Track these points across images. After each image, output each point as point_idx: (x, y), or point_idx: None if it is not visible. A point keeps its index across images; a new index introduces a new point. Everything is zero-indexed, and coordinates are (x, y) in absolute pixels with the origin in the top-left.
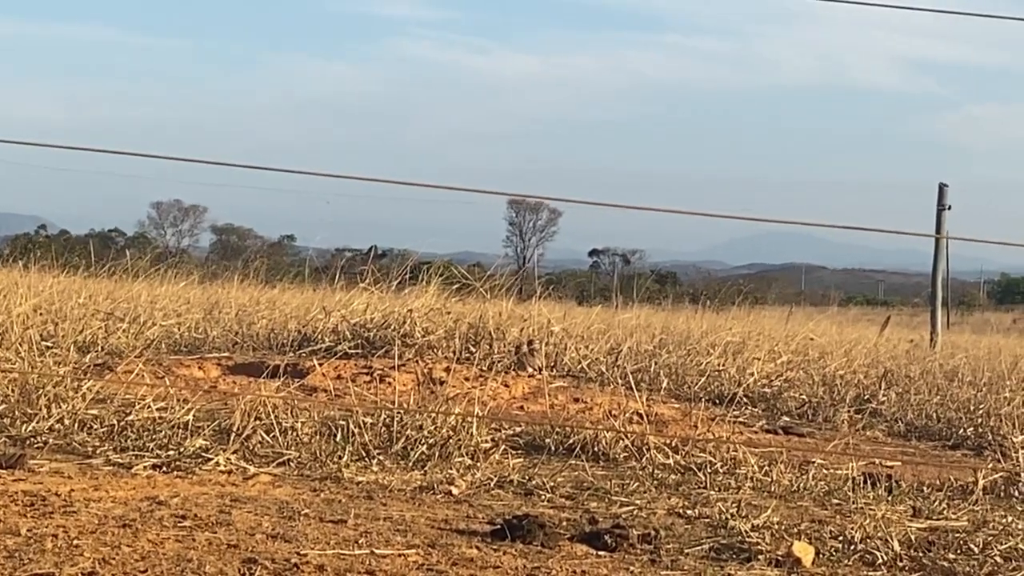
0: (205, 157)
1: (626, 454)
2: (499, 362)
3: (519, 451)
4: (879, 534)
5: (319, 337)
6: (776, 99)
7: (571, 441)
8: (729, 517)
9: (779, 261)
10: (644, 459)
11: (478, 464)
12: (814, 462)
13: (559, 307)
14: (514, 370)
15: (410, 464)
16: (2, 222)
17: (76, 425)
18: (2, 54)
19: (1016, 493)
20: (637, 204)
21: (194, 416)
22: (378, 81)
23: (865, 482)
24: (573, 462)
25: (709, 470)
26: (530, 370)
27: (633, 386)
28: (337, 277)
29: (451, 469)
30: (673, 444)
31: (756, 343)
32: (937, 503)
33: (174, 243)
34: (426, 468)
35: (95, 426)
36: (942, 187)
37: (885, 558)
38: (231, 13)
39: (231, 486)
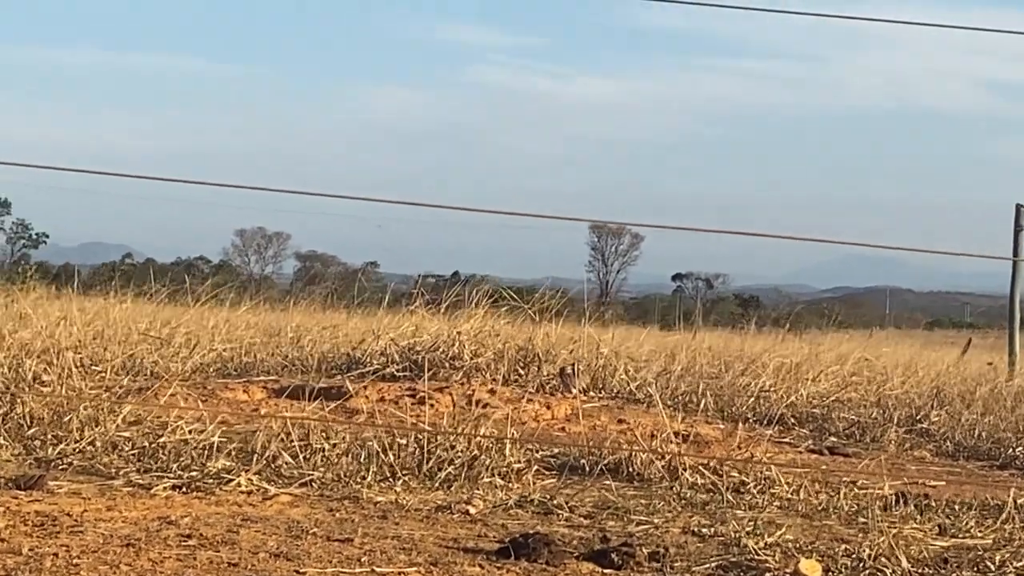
0: (285, 185)
1: (660, 474)
2: (547, 384)
3: (554, 472)
4: (891, 552)
5: (368, 360)
6: (850, 121)
7: (606, 461)
8: (743, 536)
9: (864, 284)
10: (679, 479)
11: (510, 484)
12: (846, 481)
13: (635, 331)
14: (560, 392)
15: (436, 484)
16: (89, 251)
17: (107, 447)
18: (84, 83)
19: None
20: (717, 228)
21: (225, 438)
22: (456, 108)
23: (897, 501)
24: (607, 482)
25: (741, 490)
26: (574, 391)
27: (679, 407)
28: (414, 302)
29: (477, 489)
30: (709, 464)
31: (810, 364)
32: (966, 522)
33: (258, 270)
34: (451, 488)
35: (126, 448)
36: (1019, 208)
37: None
38: (310, 42)
39: (248, 506)
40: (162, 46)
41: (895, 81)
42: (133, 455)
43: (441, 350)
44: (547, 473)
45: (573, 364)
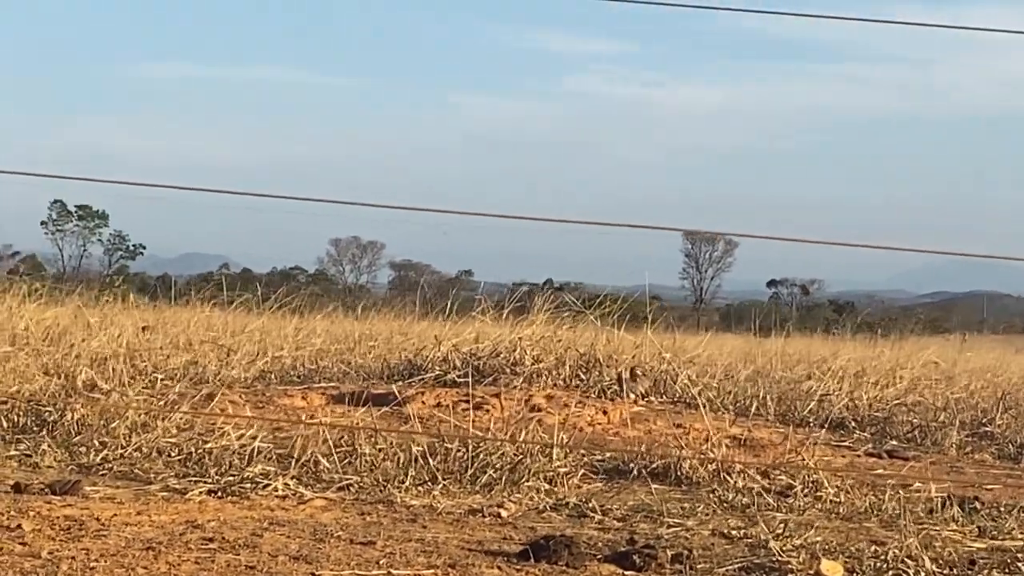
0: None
1: (708, 478)
2: (607, 389)
3: (602, 476)
4: (919, 553)
5: (429, 366)
6: (956, 126)
7: (654, 466)
8: (771, 538)
9: (964, 289)
10: (724, 483)
11: (555, 488)
12: (893, 484)
13: (727, 338)
14: (619, 397)
15: (476, 488)
16: (187, 262)
17: (152, 453)
18: (180, 98)
19: None
20: (817, 235)
21: (270, 444)
22: (554, 117)
23: (944, 504)
24: (654, 486)
25: (787, 493)
26: (632, 396)
27: (740, 411)
28: (506, 310)
29: (518, 493)
30: (762, 468)
31: (877, 368)
32: (1010, 524)
33: (352, 279)
34: (492, 492)
35: (172, 454)
36: None
37: None
38: (405, 52)
39: (280, 510)
40: (258, 59)
41: (1007, 83)
42: (178, 460)
43: (502, 356)
44: (594, 477)
45: (632, 369)
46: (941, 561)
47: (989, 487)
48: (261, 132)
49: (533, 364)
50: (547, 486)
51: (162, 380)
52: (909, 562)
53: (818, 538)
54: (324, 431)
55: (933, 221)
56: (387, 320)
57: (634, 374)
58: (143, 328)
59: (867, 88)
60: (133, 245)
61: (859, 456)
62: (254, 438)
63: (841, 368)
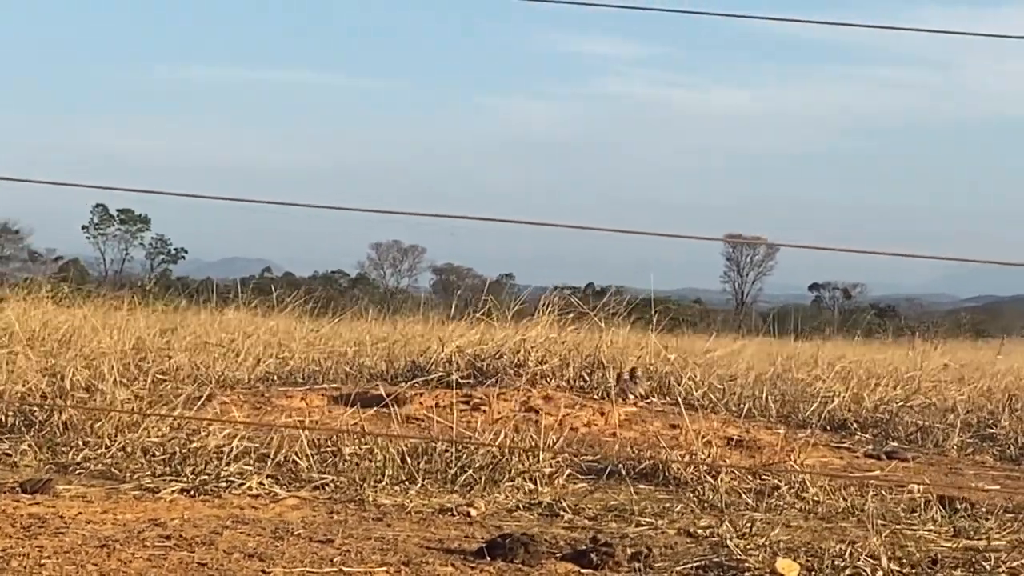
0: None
1: (695, 478)
2: (611, 391)
3: (589, 476)
4: (881, 552)
5: (432, 367)
6: (989, 130)
7: (642, 466)
8: (735, 537)
9: (1009, 293)
10: (704, 483)
11: (539, 488)
12: (876, 484)
13: (768, 341)
14: (621, 398)
15: (455, 488)
16: (229, 266)
17: (137, 452)
18: (221, 99)
19: None
20: (854, 239)
21: (257, 444)
22: (585, 119)
23: (927, 505)
24: (642, 486)
25: (774, 494)
26: (631, 398)
27: (743, 413)
28: (548, 313)
29: (499, 493)
30: (753, 469)
31: (883, 370)
32: (990, 525)
33: (393, 283)
34: (471, 492)
35: (157, 453)
36: None
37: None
38: (439, 56)
39: (250, 509)
40: (292, 61)
41: None
42: (161, 460)
43: (505, 357)
44: (580, 478)
45: (632, 370)
46: (903, 560)
47: (985, 488)
48: (304, 136)
49: (537, 365)
50: (531, 486)
51: (165, 381)
52: (871, 560)
53: (784, 537)
54: (295, 432)
55: (974, 225)
56: (416, 323)
57: (634, 375)
58: (163, 331)
59: (901, 90)
60: (175, 249)
61: (857, 457)
62: (233, 437)
63: (844, 369)
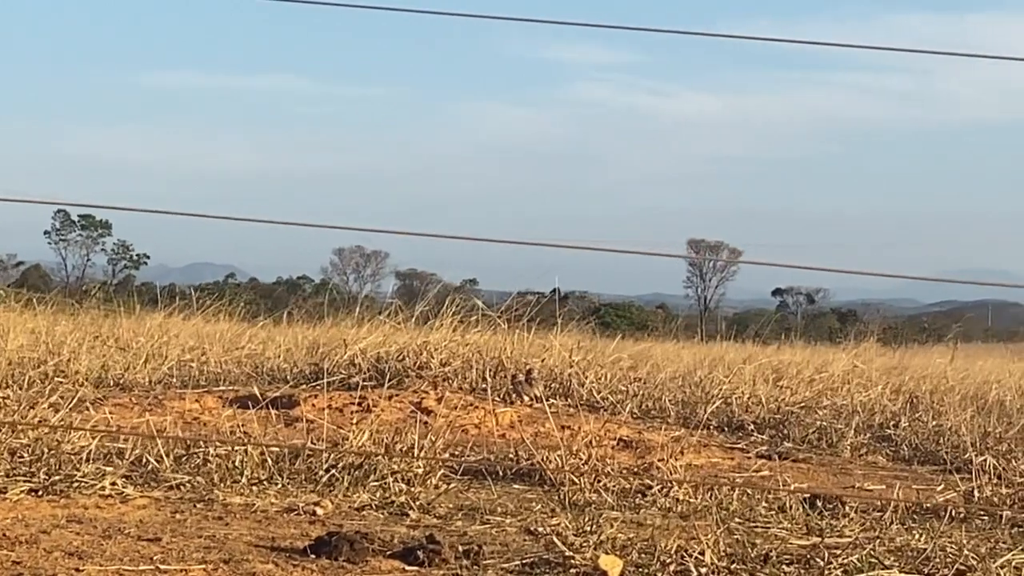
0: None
1: (571, 478)
2: (512, 392)
3: (467, 477)
4: (710, 548)
5: (335, 370)
6: (959, 135)
7: (520, 467)
8: (571, 534)
9: (973, 298)
10: (567, 484)
11: (412, 488)
12: (739, 484)
13: (730, 346)
14: (518, 399)
15: (317, 488)
16: (195, 271)
17: (4, 453)
18: (192, 107)
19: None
20: (820, 244)
21: (127, 445)
22: (558, 125)
23: (792, 504)
24: (516, 486)
25: (647, 493)
26: (526, 399)
27: (644, 414)
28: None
29: (365, 493)
30: (634, 468)
31: (796, 372)
32: (846, 523)
33: (357, 288)
34: (333, 492)
35: (24, 455)
36: None
37: (699, 571)
38: (416, 63)
39: (94, 508)
40: (266, 68)
41: (1010, 92)
42: (27, 461)
43: (408, 359)
44: (455, 478)
45: (528, 372)
46: (735, 556)
47: (869, 488)
48: (266, 142)
49: (440, 367)
50: (403, 486)
51: (63, 383)
52: (699, 557)
53: (624, 535)
54: (170, 430)
55: (939, 231)
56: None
57: (529, 377)
58: (96, 337)
59: (871, 97)
60: (137, 255)
61: (749, 458)
62: (94, 438)
63: (750, 372)
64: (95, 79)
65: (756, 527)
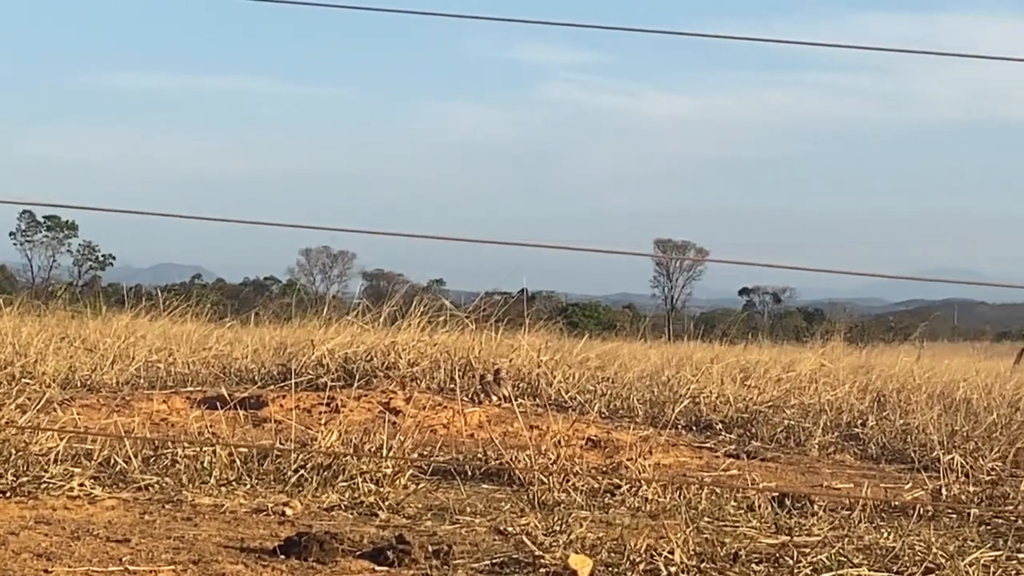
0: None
1: (540, 478)
2: (480, 392)
3: (436, 477)
4: (680, 548)
5: (303, 370)
6: (926, 134)
7: (488, 466)
8: (543, 534)
9: (939, 297)
10: (553, 483)
11: (382, 489)
12: (708, 483)
13: (695, 346)
14: (486, 399)
15: (286, 488)
16: (162, 272)
17: None
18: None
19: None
20: (788, 244)
21: (96, 446)
22: (526, 125)
23: (761, 503)
24: (485, 486)
25: (616, 493)
26: (495, 399)
27: (613, 414)
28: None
29: (334, 493)
30: (603, 468)
31: (763, 371)
32: (815, 522)
33: (323, 289)
34: (302, 492)
35: None
36: None
37: (668, 570)
38: (380, 62)
39: (63, 510)
40: (228, 69)
41: (975, 92)
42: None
43: (376, 360)
44: (424, 478)
45: (496, 371)
46: (703, 555)
47: (838, 486)
48: (232, 143)
49: (408, 368)
50: (371, 487)
51: (30, 385)
52: (668, 556)
53: (594, 535)
54: (138, 431)
55: (905, 230)
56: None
57: (498, 377)
58: (63, 338)
59: (841, 97)
60: (103, 255)
61: (717, 457)
62: (62, 439)
63: (718, 371)
64: (55, 80)
65: (725, 526)
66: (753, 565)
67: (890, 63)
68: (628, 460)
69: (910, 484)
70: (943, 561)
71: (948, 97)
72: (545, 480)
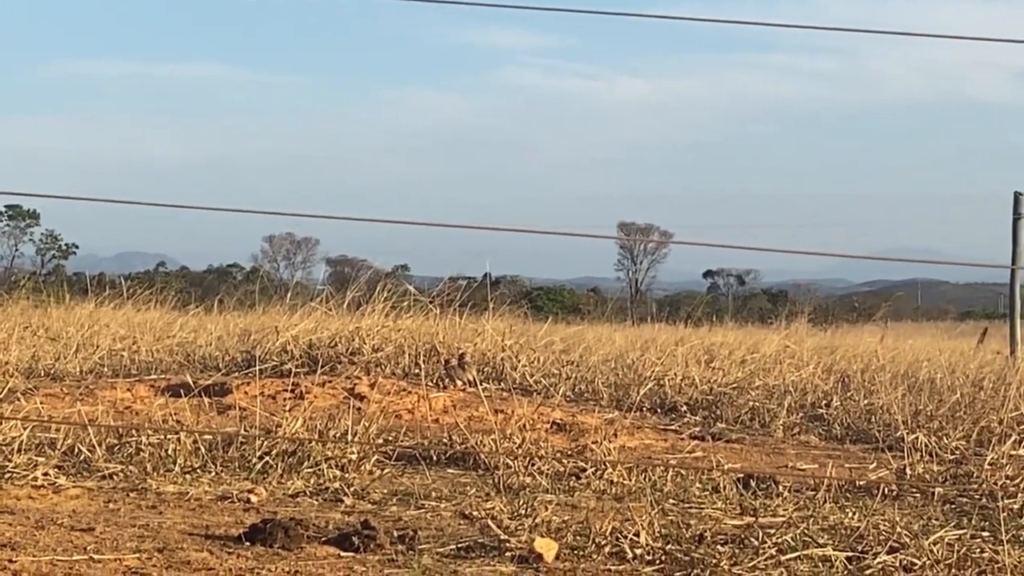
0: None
1: (505, 462)
2: (446, 378)
3: (399, 462)
4: (645, 530)
5: (267, 357)
6: (888, 115)
7: (453, 451)
8: (508, 517)
9: (902, 278)
10: (518, 467)
11: (346, 475)
12: (673, 465)
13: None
14: (451, 384)
15: (251, 475)
16: (125, 261)
17: None
18: (121, 95)
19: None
20: (747, 224)
21: (58, 435)
22: (488, 111)
23: (718, 485)
24: (451, 471)
25: (581, 476)
26: (459, 383)
27: (578, 397)
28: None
29: (299, 479)
30: (568, 451)
31: (728, 353)
32: (779, 503)
33: (288, 276)
34: (267, 479)
35: None
36: (1017, 196)
37: (634, 552)
38: (338, 49)
39: (27, 499)
40: (191, 56)
41: (935, 72)
42: None
43: (340, 345)
44: (389, 464)
45: (460, 356)
46: (669, 537)
47: (802, 467)
48: (194, 130)
49: (372, 353)
50: (337, 472)
51: None
52: (634, 538)
53: (554, 518)
54: (102, 420)
55: (867, 210)
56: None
57: (462, 361)
58: (26, 327)
59: (801, 78)
60: (66, 244)
61: (682, 439)
62: (25, 428)
63: (683, 353)
64: (4, 67)
65: (690, 508)
66: (718, 546)
67: (848, 44)
68: (593, 443)
69: (874, 464)
70: (908, 540)
71: (907, 78)
72: (510, 464)
